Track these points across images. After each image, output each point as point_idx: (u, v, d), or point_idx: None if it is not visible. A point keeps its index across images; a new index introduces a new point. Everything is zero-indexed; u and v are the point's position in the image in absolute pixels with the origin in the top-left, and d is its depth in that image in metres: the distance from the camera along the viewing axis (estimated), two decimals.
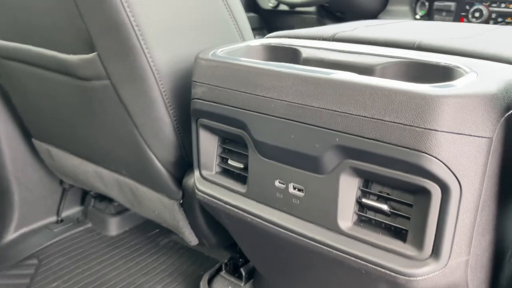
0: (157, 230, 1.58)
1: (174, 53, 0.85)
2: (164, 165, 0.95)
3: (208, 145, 0.82)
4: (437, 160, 0.54)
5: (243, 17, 0.94)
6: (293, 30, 0.95)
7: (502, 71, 0.62)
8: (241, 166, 0.78)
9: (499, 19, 1.60)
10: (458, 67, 0.64)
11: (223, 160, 0.83)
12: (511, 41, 0.81)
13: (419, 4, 1.79)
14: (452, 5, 1.69)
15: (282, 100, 0.65)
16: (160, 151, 0.93)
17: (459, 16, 1.69)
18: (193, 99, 0.79)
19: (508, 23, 1.58)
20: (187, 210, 1.03)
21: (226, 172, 0.84)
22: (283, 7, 2.06)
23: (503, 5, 1.59)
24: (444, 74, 0.66)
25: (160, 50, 0.82)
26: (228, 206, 0.79)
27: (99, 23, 0.82)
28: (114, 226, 1.58)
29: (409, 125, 0.54)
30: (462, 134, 0.53)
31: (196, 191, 0.85)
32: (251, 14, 2.24)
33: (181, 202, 1.02)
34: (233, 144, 0.81)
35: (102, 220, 1.58)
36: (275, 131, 0.67)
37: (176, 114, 0.88)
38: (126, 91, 0.88)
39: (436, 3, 1.73)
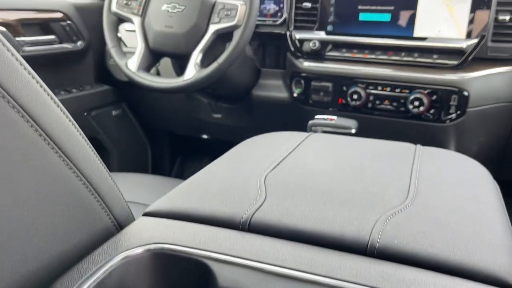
0: None
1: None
2: None
3: None
4: None
5: (109, 184, 0.65)
6: (177, 198, 0.69)
7: None
8: None
9: (377, 102, 1.57)
10: None
11: None
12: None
13: (294, 81, 1.68)
14: (330, 86, 1.61)
15: None
16: None
17: (337, 97, 1.62)
18: None
19: (386, 105, 1.55)
20: None
21: None
22: None
23: (379, 87, 1.56)
24: None
25: None
26: None
27: None
28: None
29: None
30: None
31: None
32: (106, 87, 1.93)
33: None
34: None
35: None
36: None
37: None
38: None
39: (313, 83, 1.63)
